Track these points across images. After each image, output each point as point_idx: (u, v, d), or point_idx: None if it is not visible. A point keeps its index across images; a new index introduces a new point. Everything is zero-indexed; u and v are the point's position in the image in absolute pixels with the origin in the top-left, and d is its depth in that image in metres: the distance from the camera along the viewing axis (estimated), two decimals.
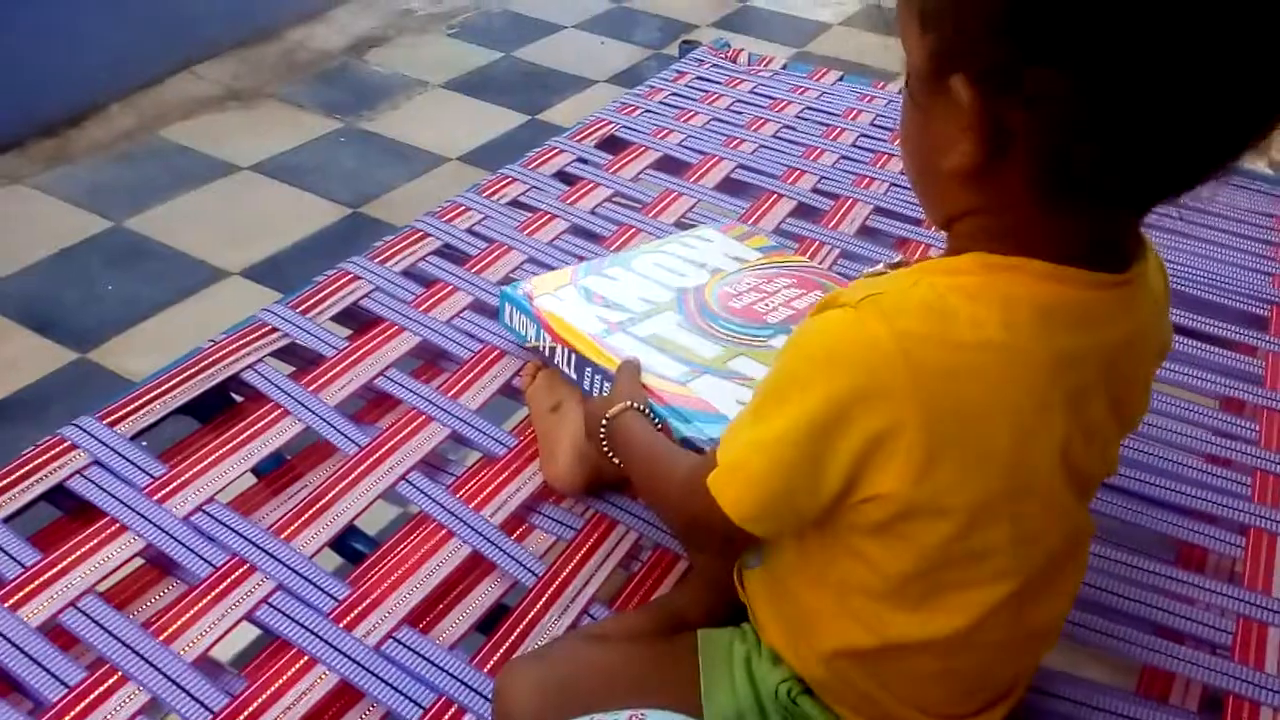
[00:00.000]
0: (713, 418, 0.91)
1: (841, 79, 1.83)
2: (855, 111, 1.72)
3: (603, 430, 0.89)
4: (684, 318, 1.04)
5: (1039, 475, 0.64)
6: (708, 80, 1.79)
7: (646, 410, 0.89)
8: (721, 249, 1.17)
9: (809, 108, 1.73)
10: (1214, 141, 0.54)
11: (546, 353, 1.05)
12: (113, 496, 0.96)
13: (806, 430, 0.61)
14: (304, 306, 1.20)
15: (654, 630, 0.84)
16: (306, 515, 0.97)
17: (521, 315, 1.08)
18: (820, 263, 1.31)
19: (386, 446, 1.04)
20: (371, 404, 1.13)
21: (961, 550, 0.64)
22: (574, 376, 1.01)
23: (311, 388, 1.09)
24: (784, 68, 1.86)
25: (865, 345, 0.58)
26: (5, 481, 0.96)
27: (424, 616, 0.92)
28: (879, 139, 1.64)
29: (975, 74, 0.55)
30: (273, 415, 1.06)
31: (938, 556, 0.64)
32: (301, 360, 1.16)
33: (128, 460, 0.99)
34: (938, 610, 0.67)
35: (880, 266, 0.76)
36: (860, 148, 1.62)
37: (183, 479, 0.99)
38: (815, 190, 1.50)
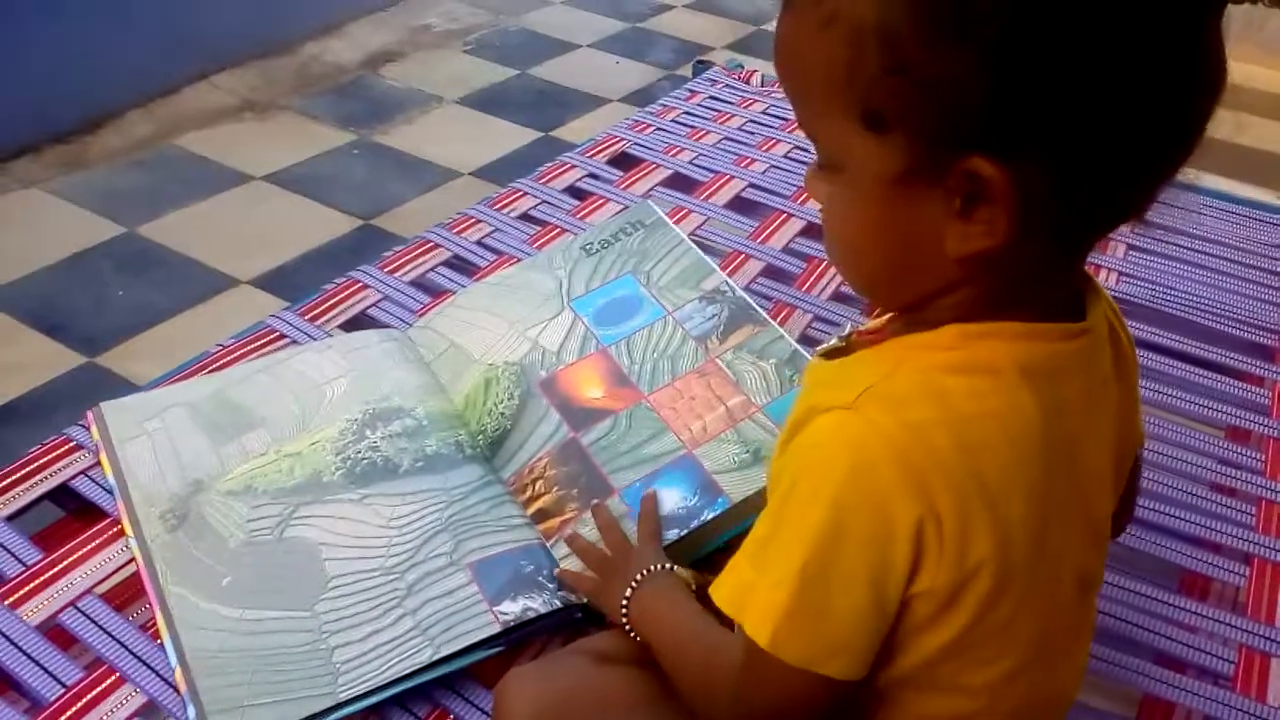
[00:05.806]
0: None
1: None
2: None
3: (625, 619, 0.81)
4: None
5: (1054, 535, 0.63)
6: (720, 100, 1.79)
7: (666, 568, 0.83)
8: None
9: None
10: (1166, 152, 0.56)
11: None
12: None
13: (855, 541, 0.58)
14: (312, 314, 1.21)
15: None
16: None
17: None
18: (821, 293, 1.31)
19: None
20: None
21: (987, 625, 0.62)
22: None
23: None
24: None
25: (881, 442, 0.57)
26: (9, 480, 0.97)
27: None
28: None
29: (992, 148, 0.52)
30: None
31: (969, 636, 0.62)
32: None
33: None
34: (958, 690, 0.65)
35: (834, 341, 0.73)
36: None
37: None
38: None
